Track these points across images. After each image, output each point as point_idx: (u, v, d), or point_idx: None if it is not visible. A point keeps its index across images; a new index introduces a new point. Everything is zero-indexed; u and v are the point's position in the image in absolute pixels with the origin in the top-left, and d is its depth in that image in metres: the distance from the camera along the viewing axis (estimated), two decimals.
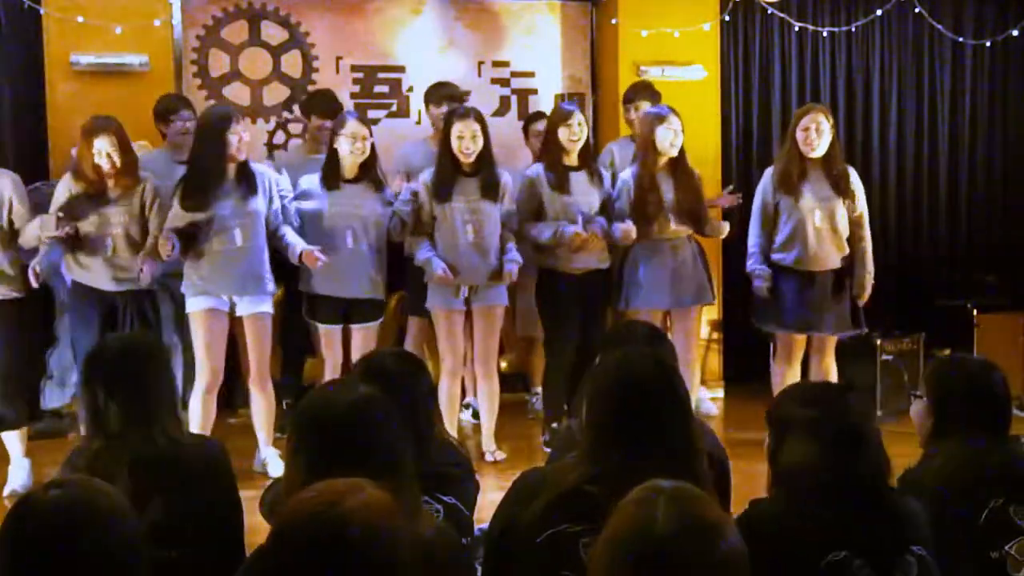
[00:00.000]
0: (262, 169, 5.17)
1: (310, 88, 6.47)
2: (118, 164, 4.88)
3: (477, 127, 5.19)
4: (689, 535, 1.61)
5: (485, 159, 5.26)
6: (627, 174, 5.63)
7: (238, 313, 5.08)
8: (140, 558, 1.81)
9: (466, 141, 5.19)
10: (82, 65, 5.96)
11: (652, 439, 2.29)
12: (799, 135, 5.34)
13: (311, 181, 5.29)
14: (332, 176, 5.25)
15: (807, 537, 2.19)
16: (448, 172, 5.25)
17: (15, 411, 4.98)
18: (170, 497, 2.53)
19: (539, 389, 6.13)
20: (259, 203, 5.01)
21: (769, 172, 5.54)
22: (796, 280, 5.47)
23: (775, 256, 5.49)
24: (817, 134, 5.30)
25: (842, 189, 5.40)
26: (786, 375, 5.50)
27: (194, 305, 5.03)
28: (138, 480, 2.49)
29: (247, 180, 4.99)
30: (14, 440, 5.02)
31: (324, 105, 5.94)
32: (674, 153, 5.48)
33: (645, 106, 5.90)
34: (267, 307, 5.12)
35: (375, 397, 2.22)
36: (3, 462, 5.09)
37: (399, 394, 2.43)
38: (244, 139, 4.95)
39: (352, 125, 5.21)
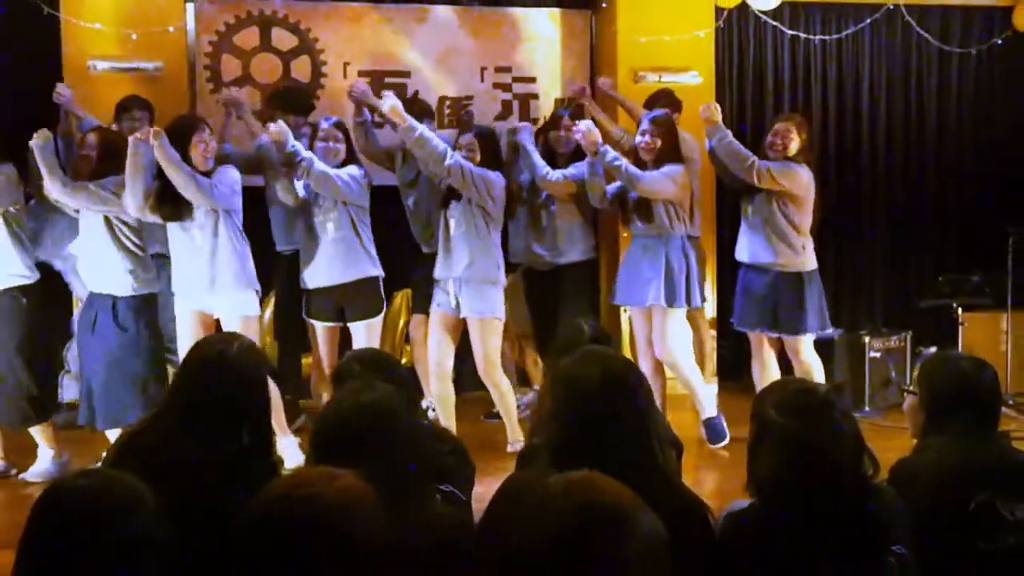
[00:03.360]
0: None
1: (319, 92, 6.62)
2: None
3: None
4: (591, 527, 1.55)
5: None
6: None
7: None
8: (164, 547, 1.84)
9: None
10: (98, 70, 6.08)
11: (608, 446, 2.27)
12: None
13: None
14: None
15: (787, 549, 2.19)
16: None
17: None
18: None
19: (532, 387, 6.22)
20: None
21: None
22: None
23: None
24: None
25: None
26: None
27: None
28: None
29: None
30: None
31: (297, 102, 5.91)
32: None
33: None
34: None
35: (395, 397, 2.32)
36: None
37: None
38: (211, 146, 4.97)
39: (324, 127, 5.30)
